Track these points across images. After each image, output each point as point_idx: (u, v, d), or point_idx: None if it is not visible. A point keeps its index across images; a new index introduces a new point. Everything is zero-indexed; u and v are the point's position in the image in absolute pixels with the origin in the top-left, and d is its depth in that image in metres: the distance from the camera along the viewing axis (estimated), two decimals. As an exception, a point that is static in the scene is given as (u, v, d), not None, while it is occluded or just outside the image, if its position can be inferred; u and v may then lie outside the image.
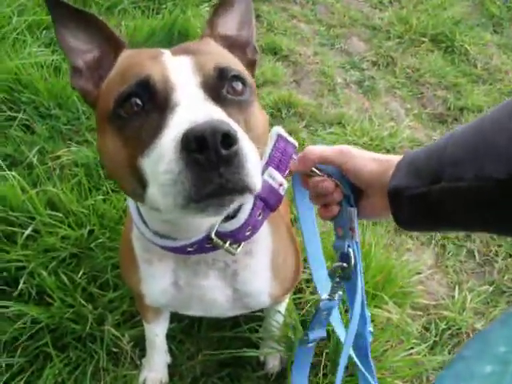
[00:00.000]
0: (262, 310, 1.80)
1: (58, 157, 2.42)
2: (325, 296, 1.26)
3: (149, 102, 0.88)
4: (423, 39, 3.74)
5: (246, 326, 1.83)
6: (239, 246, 1.12)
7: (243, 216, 1.09)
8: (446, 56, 3.65)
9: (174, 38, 3.14)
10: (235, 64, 1.02)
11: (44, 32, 3.18)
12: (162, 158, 0.78)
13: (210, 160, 0.74)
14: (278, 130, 1.17)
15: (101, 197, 2.14)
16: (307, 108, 2.92)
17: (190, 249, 1.11)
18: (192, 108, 0.83)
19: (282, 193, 1.13)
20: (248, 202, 1.09)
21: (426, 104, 3.22)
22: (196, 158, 0.74)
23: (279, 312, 1.73)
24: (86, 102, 1.07)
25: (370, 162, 1.05)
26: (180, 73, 0.91)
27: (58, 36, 1.04)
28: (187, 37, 3.15)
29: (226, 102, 0.90)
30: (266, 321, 1.80)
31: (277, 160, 1.12)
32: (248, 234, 1.11)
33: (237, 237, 1.10)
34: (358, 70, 3.40)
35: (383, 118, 2.99)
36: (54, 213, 2.06)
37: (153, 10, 3.57)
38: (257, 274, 1.27)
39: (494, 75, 3.53)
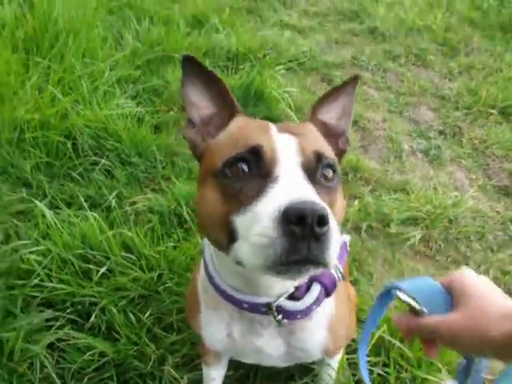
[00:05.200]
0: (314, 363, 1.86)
1: (135, 202, 2.60)
2: None
3: (254, 169, 1.00)
4: (492, 111, 3.78)
5: (300, 381, 1.88)
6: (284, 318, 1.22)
7: (305, 303, 1.21)
8: (515, 128, 3.67)
9: (251, 97, 3.33)
10: (329, 152, 1.14)
11: (131, 85, 3.45)
12: (259, 222, 0.89)
13: (304, 234, 0.85)
14: (345, 238, 1.39)
15: (172, 244, 2.28)
16: (373, 173, 3.01)
17: (245, 304, 1.21)
18: (293, 184, 0.95)
19: (338, 284, 1.27)
20: (315, 290, 1.23)
21: (492, 176, 3.24)
22: (293, 231, 0.84)
23: (332, 368, 1.78)
24: (193, 153, 1.21)
25: (501, 322, 0.85)
26: (286, 150, 1.03)
27: (183, 89, 1.19)
28: (262, 96, 3.33)
29: (318, 185, 1.02)
30: (319, 376, 1.85)
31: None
32: (299, 317, 1.23)
33: (290, 317, 1.22)
34: (424, 138, 3.47)
35: (447, 187, 3.03)
36: (127, 255, 2.21)
37: (231, 69, 3.81)
38: (313, 334, 1.35)
39: (562, 151, 3.51)
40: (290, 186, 0.94)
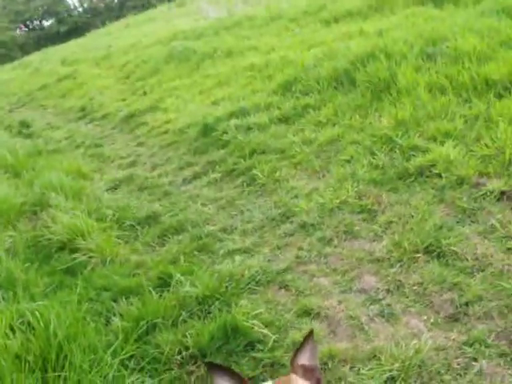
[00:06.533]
0: None
1: None
2: None
3: None
4: (418, 255, 4.56)
5: None
6: None
7: None
8: (440, 261, 4.41)
9: (229, 333, 4.01)
10: None
11: (133, 360, 4.09)
12: None
13: None
14: None
15: None
16: (346, 352, 3.64)
17: None
18: None
19: None
20: None
21: (438, 310, 3.91)
22: None
23: None
24: None
25: None
26: None
27: (212, 379, 1.98)
28: (238, 328, 4.02)
29: None
30: None
31: None
32: None
33: None
34: (376, 302, 4.17)
35: (407, 337, 3.67)
36: None
37: (204, 311, 4.51)
38: None
39: (482, 262, 4.23)
40: None
